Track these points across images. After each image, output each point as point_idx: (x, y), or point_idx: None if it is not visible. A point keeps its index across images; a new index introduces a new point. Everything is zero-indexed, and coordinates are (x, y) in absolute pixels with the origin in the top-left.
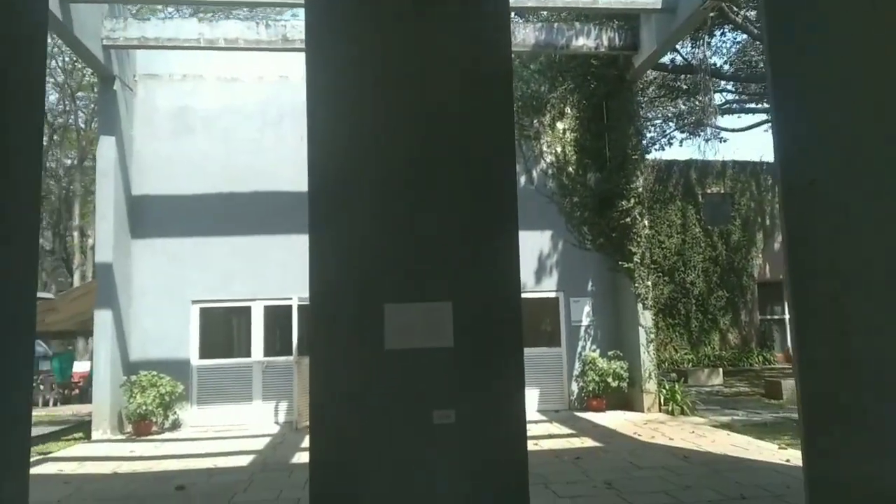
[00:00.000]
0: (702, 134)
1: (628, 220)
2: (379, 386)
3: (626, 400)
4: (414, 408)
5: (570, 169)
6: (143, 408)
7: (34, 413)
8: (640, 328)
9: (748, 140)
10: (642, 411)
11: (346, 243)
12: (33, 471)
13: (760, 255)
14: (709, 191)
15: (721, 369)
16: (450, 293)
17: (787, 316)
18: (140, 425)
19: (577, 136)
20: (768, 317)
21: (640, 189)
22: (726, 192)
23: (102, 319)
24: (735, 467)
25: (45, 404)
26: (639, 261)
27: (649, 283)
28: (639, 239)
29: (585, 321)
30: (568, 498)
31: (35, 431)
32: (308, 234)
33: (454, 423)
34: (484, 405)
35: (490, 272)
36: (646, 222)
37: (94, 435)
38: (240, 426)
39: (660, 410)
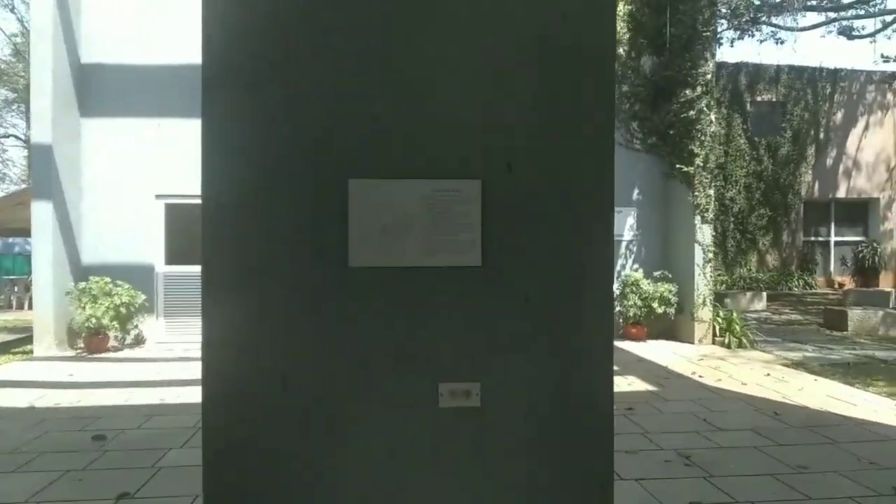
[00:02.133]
0: (756, 32)
1: (691, 113)
2: (329, 344)
3: (672, 328)
4: (403, 381)
5: (621, 51)
6: (94, 320)
7: (8, 317)
8: (695, 245)
9: (807, 42)
10: (692, 342)
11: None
12: None
13: (810, 172)
14: (759, 98)
15: (764, 293)
16: (480, 165)
17: (833, 238)
18: (92, 341)
19: (633, 9)
20: (812, 238)
21: (710, 76)
22: (778, 100)
23: (41, 213)
24: (854, 434)
25: (20, 307)
26: (701, 164)
27: (711, 191)
28: (703, 138)
29: (628, 235)
30: (635, 480)
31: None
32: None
33: (477, 406)
34: (534, 374)
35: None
36: (713, 117)
37: (37, 350)
38: None
39: (713, 342)
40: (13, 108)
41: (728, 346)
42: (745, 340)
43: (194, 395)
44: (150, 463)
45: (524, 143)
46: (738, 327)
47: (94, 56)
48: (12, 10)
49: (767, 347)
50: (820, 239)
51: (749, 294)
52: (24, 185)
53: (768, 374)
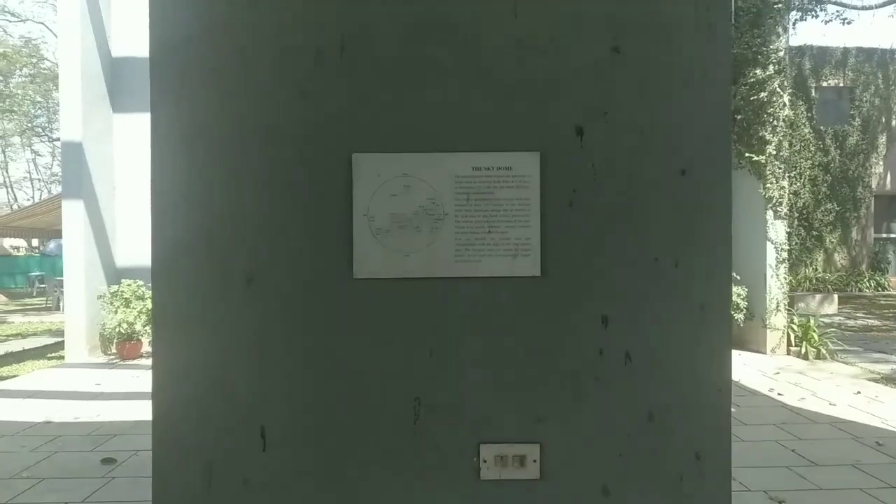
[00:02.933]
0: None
1: (762, 95)
2: (325, 388)
3: (741, 337)
4: (428, 440)
5: None
6: (126, 325)
7: (47, 320)
8: (768, 244)
9: (876, 22)
10: (763, 352)
11: None
12: None
13: (881, 163)
14: (825, 84)
15: (836, 296)
16: (538, 130)
17: None
18: (125, 347)
19: None
20: (884, 235)
21: (783, 53)
22: (846, 85)
23: (72, 213)
24: None
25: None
26: (773, 152)
27: (785, 183)
28: (775, 123)
29: None
30: None
31: (32, 343)
32: None
33: (536, 478)
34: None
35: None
36: (786, 99)
37: (69, 356)
38: None
39: (788, 353)
40: None
41: (805, 357)
42: (823, 350)
43: None
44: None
45: (603, 98)
46: (815, 335)
47: (125, 49)
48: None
49: (849, 358)
50: (893, 235)
51: (818, 297)
52: None
53: (858, 392)
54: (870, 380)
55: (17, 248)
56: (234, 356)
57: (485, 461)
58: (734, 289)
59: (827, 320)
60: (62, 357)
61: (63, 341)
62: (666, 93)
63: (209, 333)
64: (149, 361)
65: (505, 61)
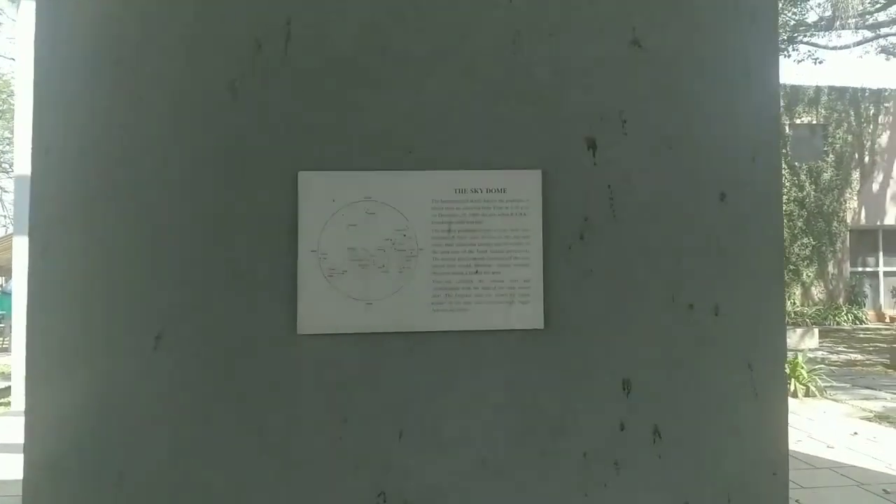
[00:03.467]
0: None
1: None
2: (265, 479)
3: None
4: None
5: None
6: None
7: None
8: None
9: (846, 62)
10: None
11: None
12: None
13: (856, 198)
14: (798, 121)
15: (816, 329)
16: (541, 144)
17: (882, 268)
18: None
19: None
20: (860, 269)
21: None
22: (819, 122)
23: (23, 250)
24: None
25: None
26: None
27: None
28: None
29: None
30: None
31: None
32: None
33: None
34: None
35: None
36: None
37: (15, 405)
38: None
39: None
40: None
41: (795, 395)
42: (812, 388)
43: None
44: None
45: (621, 104)
46: (804, 372)
47: None
48: None
49: (838, 395)
50: (868, 269)
51: (800, 331)
52: None
53: (855, 433)
54: (863, 418)
55: None
56: (134, 435)
57: None
58: None
59: (811, 355)
60: (8, 404)
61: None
62: (699, 96)
63: (104, 409)
64: None
65: (497, 57)
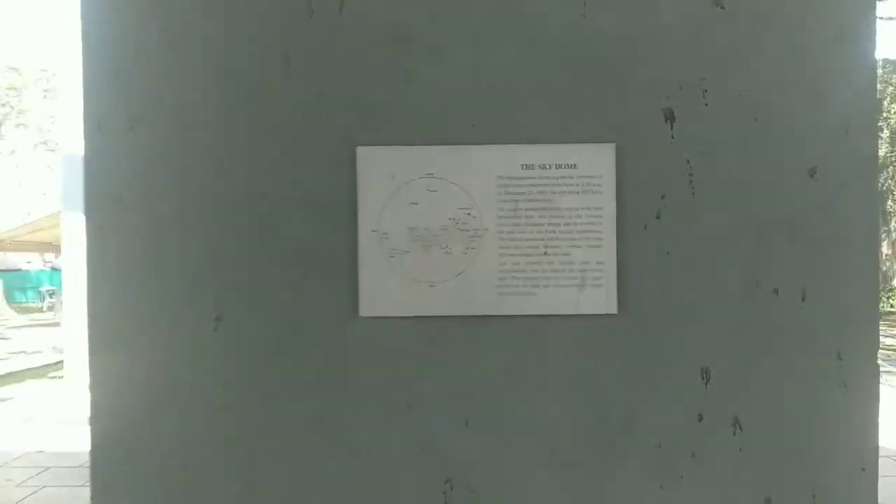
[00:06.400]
0: None
1: None
2: (329, 464)
3: None
4: None
5: None
6: None
7: (56, 336)
8: None
9: None
10: None
11: None
12: None
13: None
14: None
15: None
16: (614, 118)
17: None
18: None
19: None
20: None
21: None
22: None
23: (72, 227)
24: None
25: None
26: None
27: None
28: None
29: None
30: None
31: (35, 361)
32: None
33: None
34: None
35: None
36: None
37: (68, 377)
38: None
39: None
40: None
41: None
42: None
43: None
44: None
45: (702, 72)
46: None
47: None
48: None
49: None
50: None
51: None
52: None
53: None
54: None
55: (31, 262)
56: (194, 414)
57: None
58: None
59: None
60: (62, 377)
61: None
62: (787, 62)
63: (165, 389)
64: None
65: (565, 22)
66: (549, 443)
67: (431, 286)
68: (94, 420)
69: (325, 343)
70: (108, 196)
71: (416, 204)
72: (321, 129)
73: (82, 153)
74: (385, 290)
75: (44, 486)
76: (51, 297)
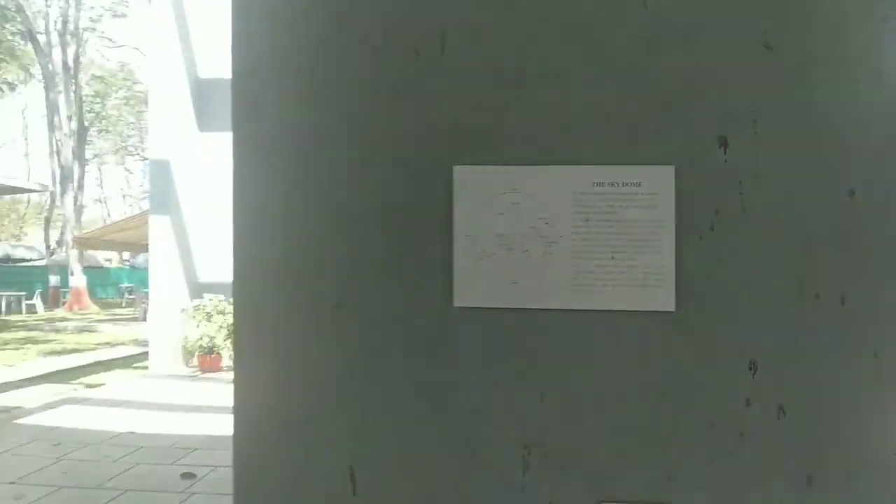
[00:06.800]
0: None
1: None
2: (421, 433)
3: None
4: (537, 494)
5: None
6: (207, 339)
7: (135, 330)
8: None
9: None
10: None
11: None
12: (41, 417)
13: None
14: None
15: None
16: (675, 139)
17: None
18: (206, 359)
19: None
20: None
21: None
22: None
23: (159, 228)
24: None
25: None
26: None
27: None
28: None
29: None
30: None
31: (119, 353)
32: None
33: None
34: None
35: None
36: None
37: (153, 368)
38: None
39: None
40: None
41: None
42: None
43: None
44: None
45: (752, 104)
46: None
47: (210, 71)
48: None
49: None
50: None
51: None
52: None
53: None
54: None
55: (110, 261)
56: (320, 387)
57: None
58: None
59: None
60: (147, 367)
61: (146, 351)
62: (829, 97)
63: (293, 359)
64: (229, 375)
65: (633, 60)
66: (616, 416)
67: (514, 283)
68: (238, 402)
69: (426, 328)
70: (255, 205)
71: (502, 214)
72: (425, 150)
73: (168, 158)
74: (475, 285)
75: (137, 464)
76: (129, 294)
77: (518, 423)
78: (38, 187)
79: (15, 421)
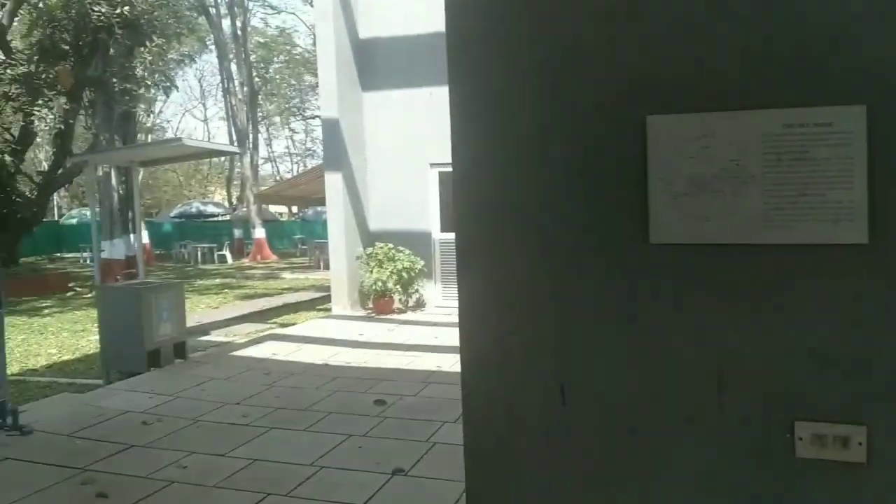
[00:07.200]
0: None
1: None
2: (622, 354)
3: None
4: (735, 413)
5: None
6: (380, 284)
7: (311, 277)
8: None
9: None
10: None
11: None
12: (250, 350)
13: None
14: None
15: None
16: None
17: None
18: (379, 303)
19: None
20: None
21: None
22: None
23: (332, 183)
24: None
25: (327, 268)
26: None
27: None
28: None
29: None
30: None
31: (302, 297)
32: None
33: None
34: None
35: None
36: None
37: (334, 309)
38: None
39: None
40: (316, 91)
41: None
42: None
43: None
44: (425, 437)
45: None
46: None
47: (371, 30)
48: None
49: None
50: None
51: None
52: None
53: None
54: None
55: (282, 214)
56: (534, 318)
57: (800, 438)
58: None
59: None
60: (328, 309)
61: (325, 295)
62: None
63: (509, 292)
64: (399, 316)
65: (822, 5)
66: (809, 342)
67: (707, 220)
68: (463, 342)
69: (625, 262)
70: (475, 196)
71: (693, 158)
72: (620, 101)
73: (338, 117)
74: (669, 224)
75: (335, 391)
76: (302, 245)
77: (713, 345)
78: (232, 149)
79: (230, 353)
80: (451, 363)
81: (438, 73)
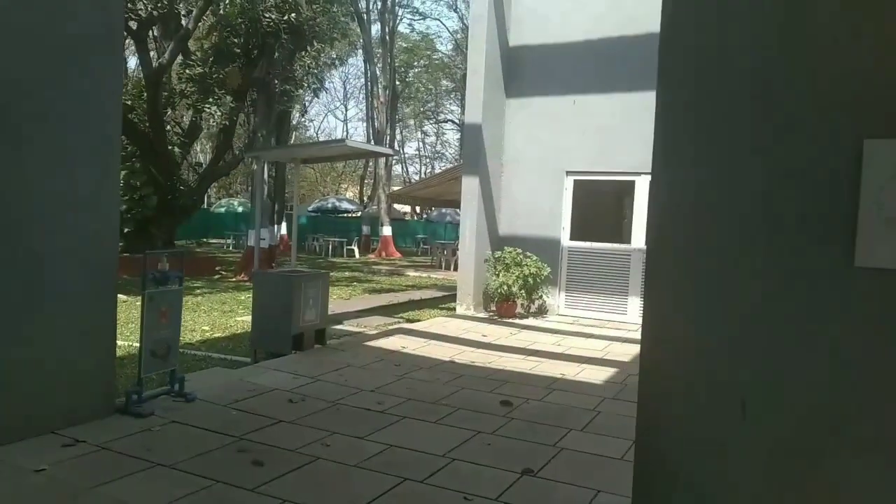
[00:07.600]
0: None
1: None
2: (809, 374)
3: None
4: None
5: None
6: (505, 287)
7: (433, 276)
8: None
9: None
10: None
11: None
12: (381, 342)
13: None
14: None
15: None
16: None
17: None
18: (503, 306)
19: None
20: None
21: None
22: None
23: (469, 186)
24: None
25: (447, 268)
26: None
27: None
28: None
29: None
30: None
31: (425, 294)
32: None
33: None
34: None
35: None
36: None
37: (458, 309)
38: (611, 324)
39: None
40: (452, 96)
41: None
42: None
43: (593, 374)
44: (552, 441)
45: None
46: None
47: (520, 38)
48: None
49: None
50: None
51: None
52: (454, 164)
53: None
54: None
55: (405, 214)
56: (716, 325)
57: None
58: None
59: None
60: (452, 308)
61: (448, 294)
62: None
63: (691, 307)
64: (521, 321)
65: None
66: None
67: None
68: (645, 325)
69: (824, 282)
70: (669, 211)
71: None
72: (834, 124)
73: (481, 123)
74: (878, 247)
75: (462, 388)
76: (424, 245)
77: None
78: (389, 151)
79: (363, 343)
80: (575, 372)
81: (581, 81)
